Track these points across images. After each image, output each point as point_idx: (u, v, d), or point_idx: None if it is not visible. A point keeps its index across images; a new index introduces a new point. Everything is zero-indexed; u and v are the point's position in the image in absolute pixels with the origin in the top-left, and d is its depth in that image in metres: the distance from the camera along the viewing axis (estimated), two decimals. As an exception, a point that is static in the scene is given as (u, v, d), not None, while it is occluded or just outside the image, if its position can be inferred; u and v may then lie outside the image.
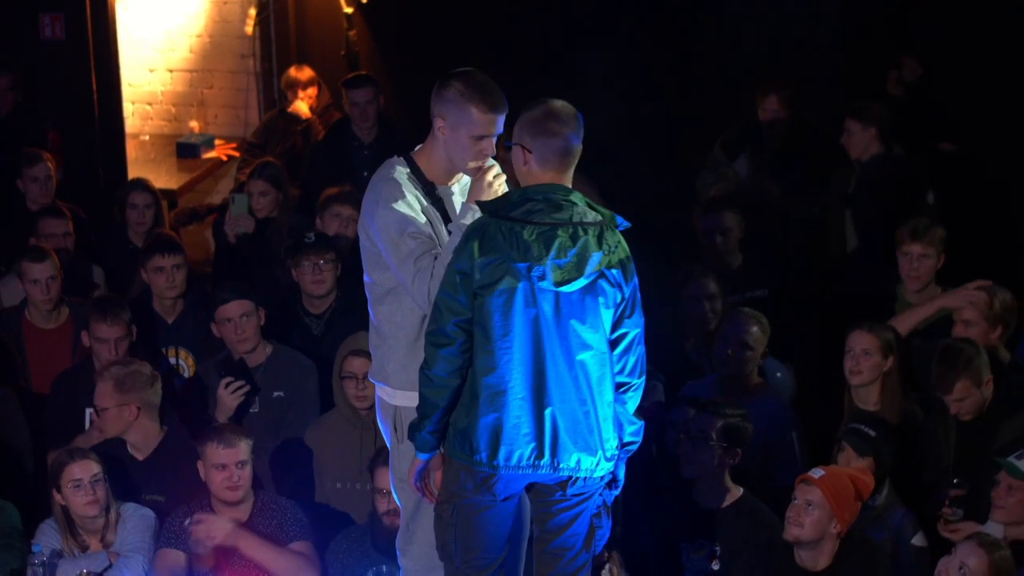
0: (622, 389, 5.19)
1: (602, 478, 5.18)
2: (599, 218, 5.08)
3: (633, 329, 5.16)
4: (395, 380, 5.37)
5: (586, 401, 5.08)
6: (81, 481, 6.56)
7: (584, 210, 5.08)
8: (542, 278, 5.00)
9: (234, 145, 11.28)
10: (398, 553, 5.56)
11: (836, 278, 8.89)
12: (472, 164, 5.28)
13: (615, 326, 5.13)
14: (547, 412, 5.06)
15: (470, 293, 5.03)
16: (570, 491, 5.16)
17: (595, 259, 5.03)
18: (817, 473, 6.13)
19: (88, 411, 7.37)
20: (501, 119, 5.26)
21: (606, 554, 6.11)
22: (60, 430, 7.48)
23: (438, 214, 5.32)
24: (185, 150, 11.29)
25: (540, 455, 5.08)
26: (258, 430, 7.22)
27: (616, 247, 5.09)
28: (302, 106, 10.62)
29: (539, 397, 5.06)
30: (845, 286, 8.70)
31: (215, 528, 6.48)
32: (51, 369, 7.83)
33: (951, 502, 6.34)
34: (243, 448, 6.58)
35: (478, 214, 5.13)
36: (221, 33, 11.75)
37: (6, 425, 7.54)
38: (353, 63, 11.13)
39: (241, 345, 7.49)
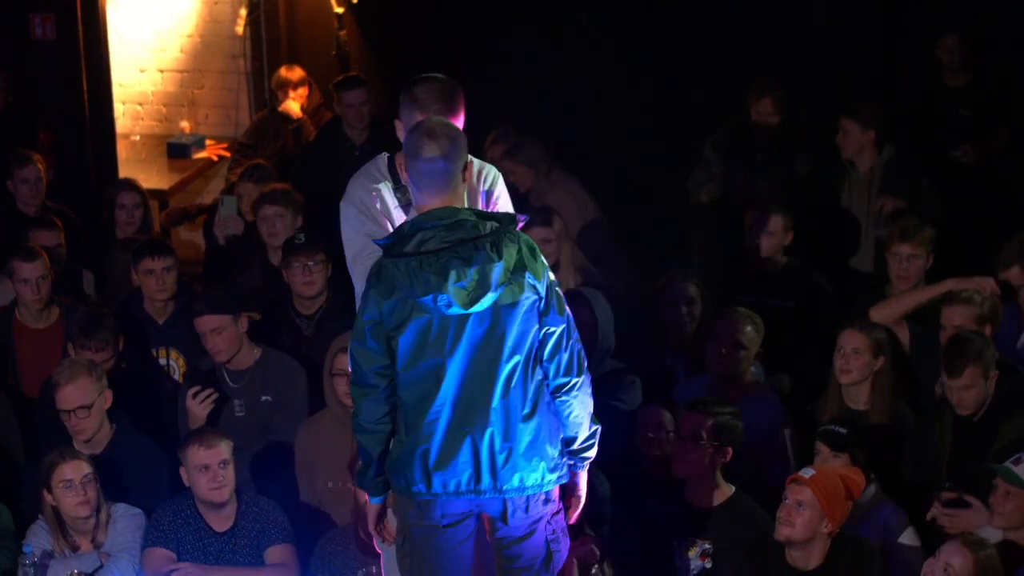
0: (563, 390, 5.10)
1: (546, 501, 5.12)
2: (495, 225, 4.99)
3: (558, 326, 5.06)
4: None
5: (520, 416, 5.02)
6: (72, 482, 6.56)
7: (477, 223, 4.98)
8: (448, 305, 4.93)
9: (225, 145, 11.27)
10: None
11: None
12: None
13: (540, 327, 5.05)
14: (479, 436, 5.01)
15: (383, 339, 5.00)
16: (511, 520, 5.09)
17: (498, 270, 4.94)
18: (808, 473, 6.14)
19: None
20: None
21: (596, 553, 6.13)
22: (50, 435, 7.43)
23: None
24: (176, 150, 11.28)
25: (479, 479, 5.04)
26: (245, 434, 7.22)
27: (518, 250, 4.99)
28: (293, 106, 10.63)
29: (469, 422, 5.01)
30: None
31: None
32: (42, 369, 7.79)
33: (944, 504, 6.34)
34: (223, 448, 6.58)
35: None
36: (212, 33, 11.74)
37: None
38: (344, 63, 11.12)
39: (216, 357, 7.46)
